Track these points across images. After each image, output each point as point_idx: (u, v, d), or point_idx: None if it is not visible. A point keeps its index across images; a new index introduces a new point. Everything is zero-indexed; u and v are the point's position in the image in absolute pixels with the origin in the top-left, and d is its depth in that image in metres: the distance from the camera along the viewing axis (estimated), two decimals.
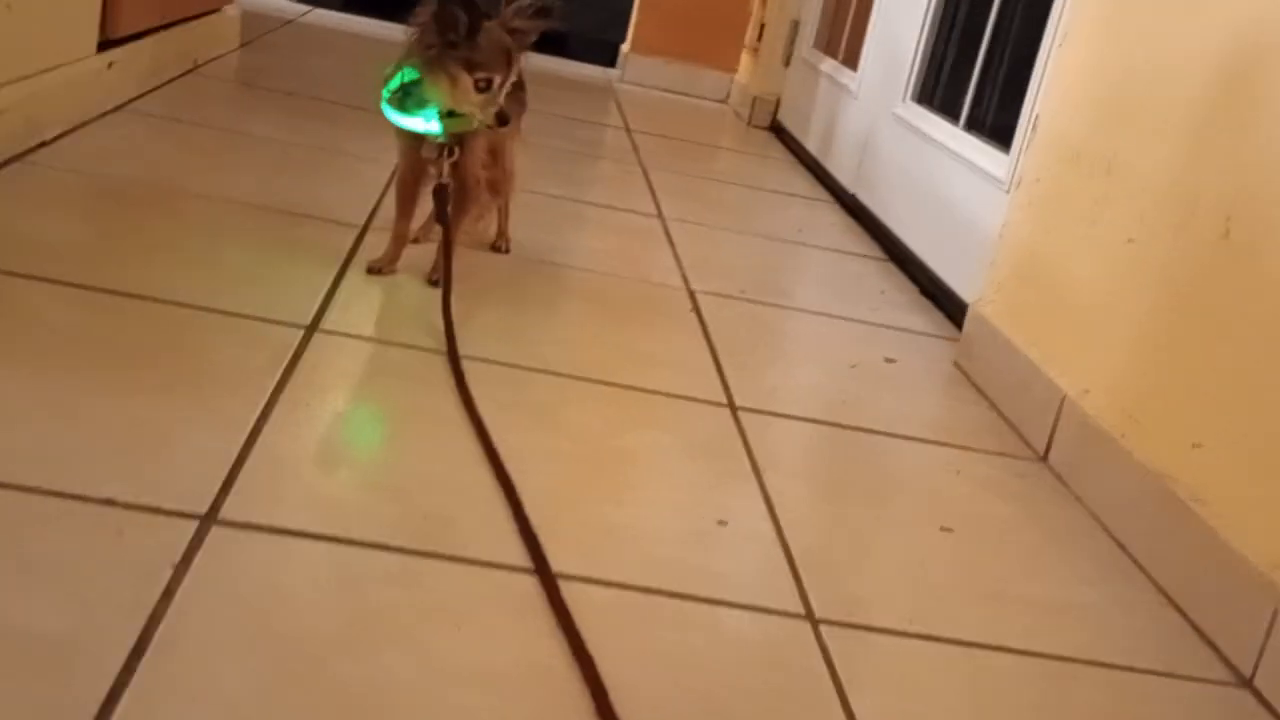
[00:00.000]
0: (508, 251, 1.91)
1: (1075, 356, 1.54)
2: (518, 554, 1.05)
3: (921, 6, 2.58)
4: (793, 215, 2.73)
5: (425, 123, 1.61)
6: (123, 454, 1.07)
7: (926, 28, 2.55)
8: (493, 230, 1.91)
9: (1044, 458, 1.54)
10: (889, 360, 1.82)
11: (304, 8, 4.08)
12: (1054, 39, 1.83)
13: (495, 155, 1.77)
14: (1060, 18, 1.85)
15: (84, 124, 2.05)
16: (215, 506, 1.02)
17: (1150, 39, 1.51)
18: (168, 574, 0.91)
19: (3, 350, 1.21)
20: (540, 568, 1.03)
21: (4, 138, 1.75)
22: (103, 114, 2.14)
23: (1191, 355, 1.31)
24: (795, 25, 3.68)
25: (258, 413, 1.20)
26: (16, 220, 1.59)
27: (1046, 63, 1.86)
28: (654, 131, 3.35)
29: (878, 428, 1.55)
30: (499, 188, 1.83)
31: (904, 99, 2.58)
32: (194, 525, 0.98)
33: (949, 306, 2.09)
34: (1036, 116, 1.76)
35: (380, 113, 1.65)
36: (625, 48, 4.20)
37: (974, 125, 2.26)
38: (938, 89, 2.51)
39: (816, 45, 3.51)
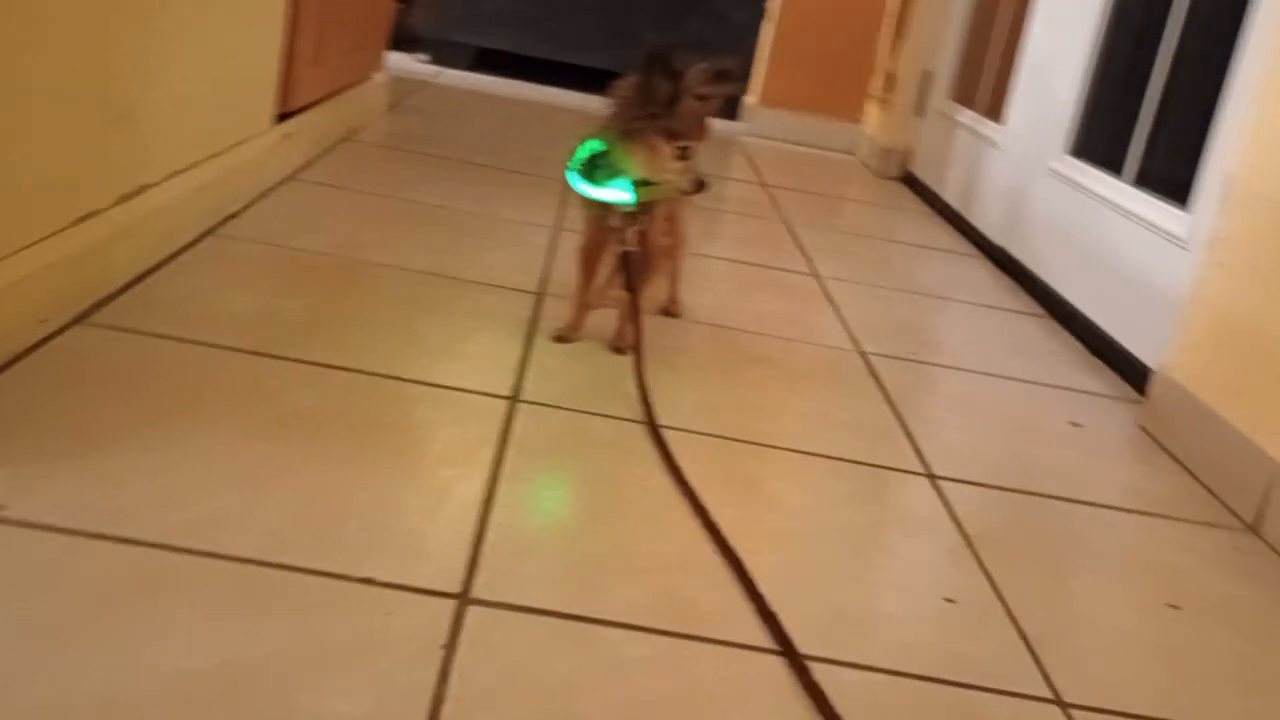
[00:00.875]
0: (679, 315, 1.92)
1: None
2: (760, 635, 1.05)
3: (1080, 57, 2.55)
4: (942, 270, 2.70)
5: (618, 193, 1.63)
6: (369, 531, 1.09)
7: (1085, 78, 2.52)
8: (664, 295, 1.92)
9: (1255, 529, 1.49)
10: (1075, 424, 1.78)
11: (436, 69, 4.18)
12: (1243, 91, 1.80)
13: (669, 221, 1.79)
14: (1248, 69, 1.82)
15: (263, 195, 2.12)
16: (467, 585, 1.03)
17: None
18: (439, 655, 0.93)
19: (240, 425, 1.25)
20: (787, 649, 1.03)
21: (202, 213, 1.82)
22: (276, 185, 2.21)
23: None
24: (927, 75, 3.67)
25: (483, 487, 1.22)
26: (221, 294, 1.64)
27: (1234, 116, 1.82)
28: (788, 185, 3.35)
29: (1078, 496, 1.52)
30: (672, 252, 1.85)
31: (1060, 152, 2.55)
32: (452, 605, 1.00)
33: (1122, 366, 2.04)
34: (1230, 173, 1.72)
35: (566, 183, 1.68)
36: (751, 99, 4.22)
37: (1142, 180, 2.22)
38: (1098, 142, 2.48)
39: (952, 96, 3.49)
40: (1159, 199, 2.11)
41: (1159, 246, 2.03)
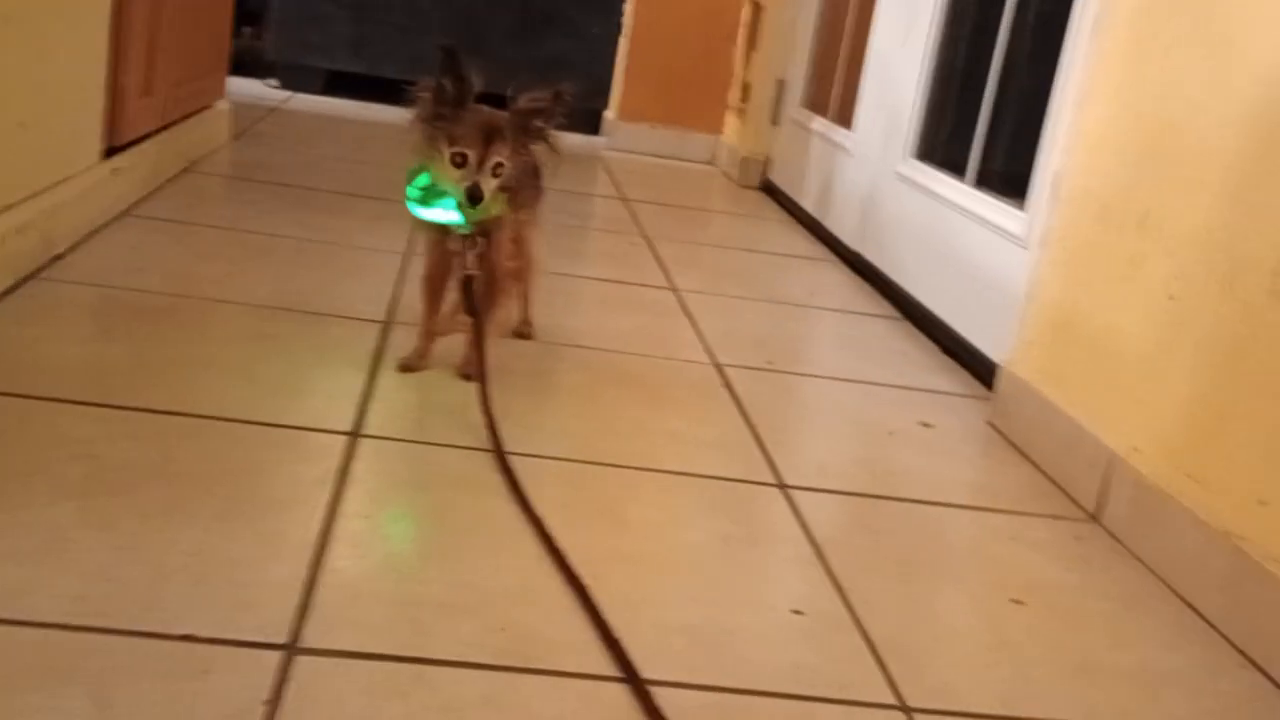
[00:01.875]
0: (532, 337, 1.90)
1: (1122, 414, 1.53)
2: (604, 663, 1.03)
3: (916, 64, 2.60)
4: (800, 277, 2.73)
5: (446, 213, 1.60)
6: (190, 585, 1.04)
7: (924, 83, 2.57)
8: (516, 317, 1.90)
9: (1095, 518, 1.53)
10: (925, 425, 1.81)
11: (286, 94, 4.09)
12: (1069, 93, 1.85)
13: (517, 242, 1.77)
14: (1072, 71, 1.87)
15: (93, 233, 2.03)
16: (295, 635, 0.99)
17: (1177, 92, 1.52)
18: (260, 711, 0.89)
19: (52, 481, 1.19)
20: (630, 676, 1.01)
21: (22, 255, 1.73)
22: (109, 222, 2.12)
23: (1249, 411, 1.31)
24: (781, 84, 3.71)
25: (318, 530, 1.17)
26: (44, 342, 1.56)
27: (1061, 117, 1.87)
28: (648, 199, 3.36)
29: (928, 497, 1.53)
30: (521, 275, 1.82)
31: (905, 156, 2.60)
32: (278, 657, 0.96)
33: (973, 364, 2.08)
34: (1058, 172, 1.77)
35: (405, 207, 1.64)
36: (610, 114, 4.22)
37: (982, 181, 2.27)
38: (941, 145, 2.53)
39: (805, 104, 3.54)
40: (999, 199, 2.16)
41: (1000, 245, 2.07)
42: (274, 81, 4.15)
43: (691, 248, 2.88)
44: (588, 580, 1.15)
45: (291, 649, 0.97)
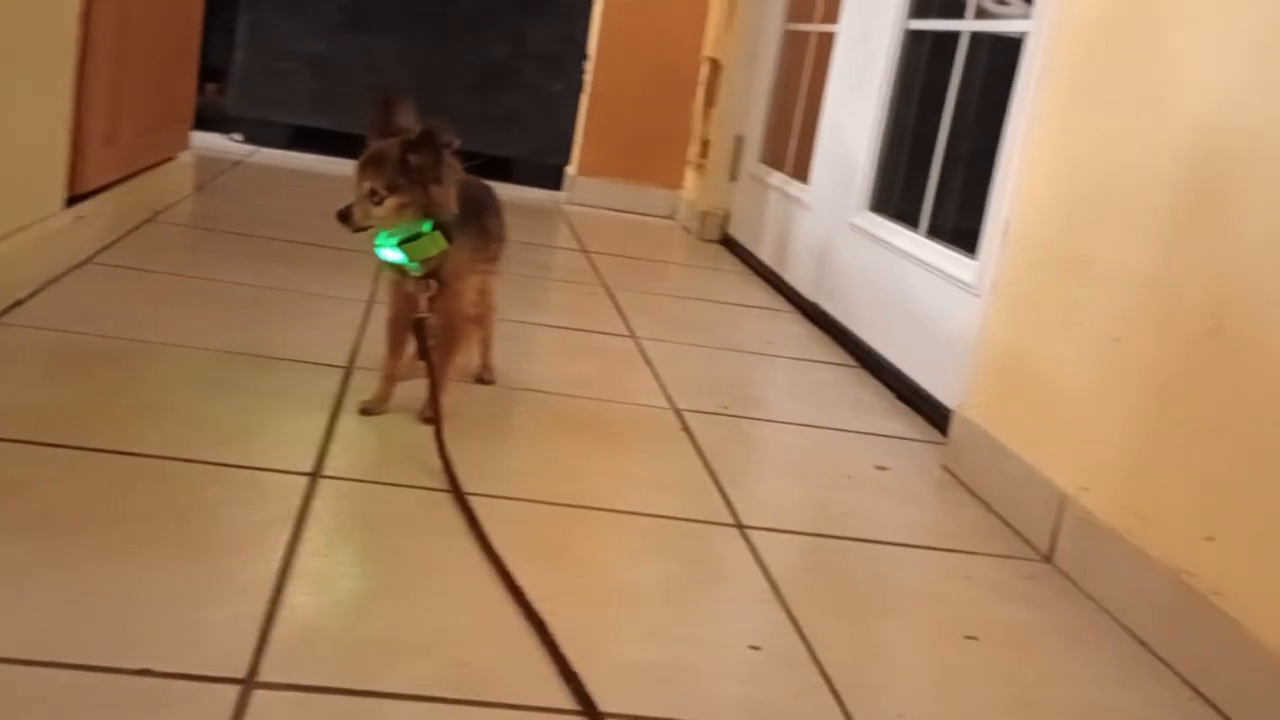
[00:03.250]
0: (492, 382, 1.91)
1: (1070, 455, 1.57)
2: (561, 696, 1.04)
3: (870, 119, 2.66)
4: (758, 327, 2.76)
5: (393, 252, 1.62)
6: (147, 622, 1.04)
7: (877, 139, 2.63)
8: (476, 362, 1.91)
9: (1048, 558, 1.56)
10: (880, 468, 1.84)
11: (250, 148, 4.11)
12: (1014, 146, 1.91)
13: (480, 292, 1.79)
14: (1019, 125, 1.93)
15: (54, 280, 2.03)
16: (253, 670, 0.99)
17: (1113, 141, 1.58)
18: None
19: (3, 521, 1.18)
20: (587, 709, 1.02)
21: None
22: (71, 269, 2.12)
23: (1192, 449, 1.34)
24: (739, 140, 3.78)
25: (277, 568, 1.18)
26: (2, 383, 1.56)
27: (1010, 168, 1.92)
28: (610, 251, 3.39)
29: (883, 538, 1.55)
30: (482, 320, 1.84)
31: (859, 209, 2.65)
32: (235, 691, 0.96)
33: (927, 410, 2.12)
34: (1006, 221, 1.82)
35: (367, 257, 1.66)
36: (571, 170, 4.27)
37: (935, 232, 2.32)
38: (894, 197, 2.59)
39: (762, 159, 3.60)
40: (950, 249, 2.20)
41: (953, 293, 2.12)
42: (237, 136, 4.16)
43: (650, 298, 2.91)
44: (544, 617, 1.15)
45: (249, 684, 0.97)
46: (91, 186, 2.20)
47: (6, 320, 1.79)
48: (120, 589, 1.09)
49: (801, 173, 3.15)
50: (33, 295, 1.93)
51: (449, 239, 1.62)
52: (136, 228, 2.55)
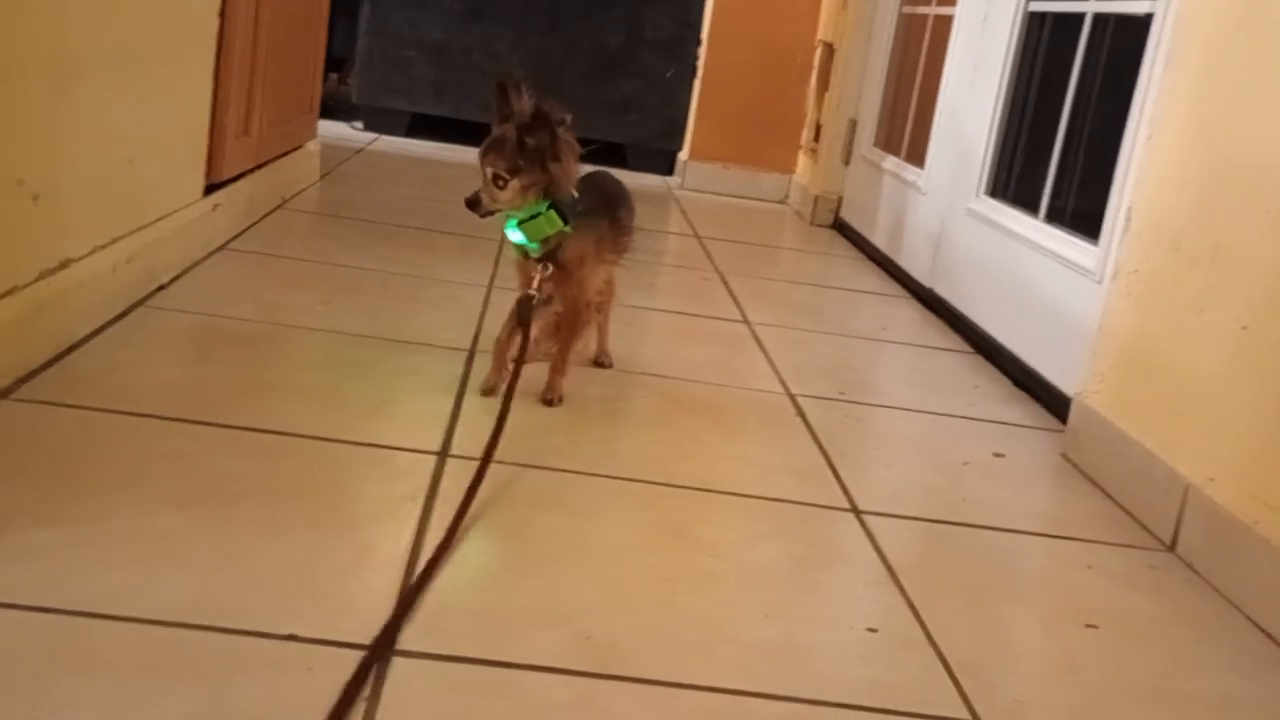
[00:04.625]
0: (609, 366, 1.95)
1: (1195, 444, 1.54)
2: (689, 672, 1.07)
3: (989, 103, 2.63)
4: (872, 312, 2.76)
5: (514, 233, 1.67)
6: (292, 590, 1.10)
7: (996, 123, 2.60)
8: (593, 346, 1.95)
9: (1171, 548, 1.54)
10: (997, 455, 1.83)
11: (371, 136, 4.22)
12: (1140, 129, 1.87)
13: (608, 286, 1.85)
14: (1144, 108, 1.89)
15: (194, 265, 2.13)
16: (385, 637, 1.04)
17: (1248, 125, 1.54)
18: (362, 707, 0.94)
19: (160, 493, 1.26)
20: (708, 686, 1.05)
21: (129, 285, 1.83)
22: (208, 255, 2.22)
23: None
24: (853, 124, 3.76)
25: (409, 542, 1.23)
26: (146, 365, 1.65)
27: (1133, 153, 1.89)
28: (722, 236, 3.41)
29: (1001, 524, 1.55)
30: (602, 306, 1.88)
31: (977, 193, 2.63)
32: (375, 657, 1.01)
33: (1045, 397, 2.09)
34: (1130, 207, 1.79)
35: (487, 242, 1.71)
36: (683, 155, 4.29)
37: (1054, 217, 2.29)
38: (1012, 182, 2.55)
39: (876, 143, 3.58)
40: (1071, 234, 2.17)
41: (1073, 280, 2.09)
42: (359, 124, 4.28)
43: (764, 282, 2.92)
44: (665, 595, 1.19)
45: (388, 652, 1.02)
46: (227, 176, 2.30)
47: (153, 303, 1.89)
48: (269, 557, 1.15)
49: (917, 157, 3.13)
50: (175, 279, 2.02)
51: (565, 219, 1.65)
52: (268, 214, 2.65)
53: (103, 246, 1.72)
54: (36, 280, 1.51)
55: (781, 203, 4.20)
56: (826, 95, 3.93)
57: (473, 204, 1.64)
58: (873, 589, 1.31)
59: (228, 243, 2.34)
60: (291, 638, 1.02)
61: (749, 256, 3.28)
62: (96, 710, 0.89)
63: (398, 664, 1.01)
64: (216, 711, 0.91)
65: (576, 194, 1.67)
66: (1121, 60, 2.08)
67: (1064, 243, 2.17)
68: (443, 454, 1.48)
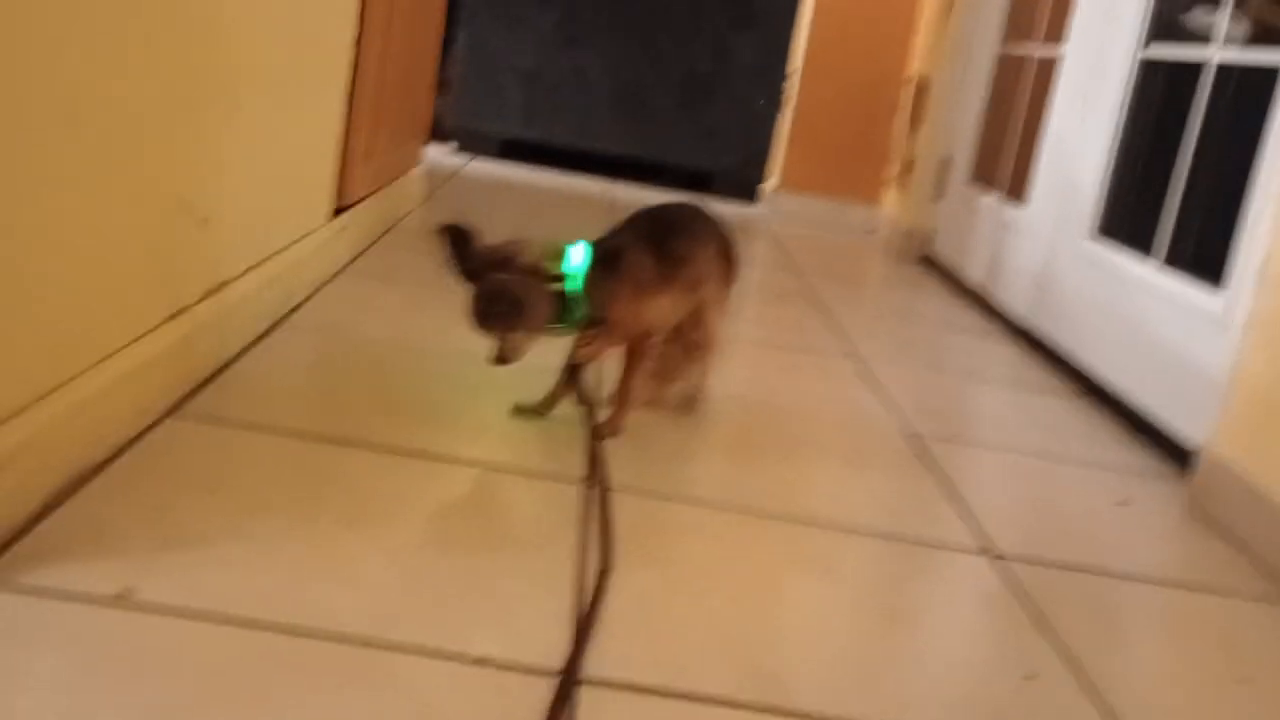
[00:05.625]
0: (692, 412, 1.87)
1: None
2: (857, 707, 1.09)
3: (1104, 140, 2.63)
4: (972, 349, 2.76)
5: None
6: (475, 612, 1.14)
7: (1109, 161, 2.60)
8: (690, 389, 1.88)
9: None
10: (1122, 503, 1.83)
11: (464, 158, 4.29)
12: (1270, 174, 1.87)
13: (696, 320, 1.78)
14: (1273, 153, 1.89)
15: (323, 285, 2.19)
16: (573, 664, 1.07)
17: None
18: None
19: (334, 513, 1.30)
20: None
21: (272, 305, 1.88)
22: (335, 275, 2.27)
23: None
24: (946, 160, 3.76)
25: (572, 564, 1.26)
26: (296, 382, 1.70)
27: (1267, 200, 1.89)
28: (812, 267, 3.43)
29: (1135, 572, 1.56)
30: (697, 352, 1.82)
31: (1088, 232, 2.63)
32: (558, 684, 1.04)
33: (1161, 443, 2.09)
34: (1267, 256, 1.79)
35: None
36: (771, 184, 4.32)
37: (1174, 259, 2.29)
38: (1126, 221, 2.55)
39: (972, 179, 3.59)
40: (1191, 278, 2.17)
41: (1194, 325, 2.09)
42: (452, 146, 4.35)
43: (863, 316, 2.93)
44: (819, 632, 1.21)
45: (572, 677, 1.05)
46: (353, 199, 2.36)
47: (290, 322, 1.94)
48: (445, 579, 1.19)
49: (1017, 192, 3.13)
50: (308, 299, 2.08)
51: (587, 298, 1.63)
52: (381, 237, 2.71)
53: (253, 268, 1.78)
54: (200, 300, 1.57)
55: (868, 235, 4.21)
56: (919, 130, 3.94)
57: (501, 360, 1.60)
58: (1019, 634, 1.32)
59: (349, 264, 2.39)
60: (483, 661, 1.05)
61: (844, 289, 3.29)
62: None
63: (586, 692, 1.03)
64: None
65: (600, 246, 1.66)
66: (1251, 93, 2.08)
67: (1184, 286, 2.17)
68: (590, 481, 1.51)
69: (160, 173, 1.39)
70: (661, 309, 1.73)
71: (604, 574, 1.25)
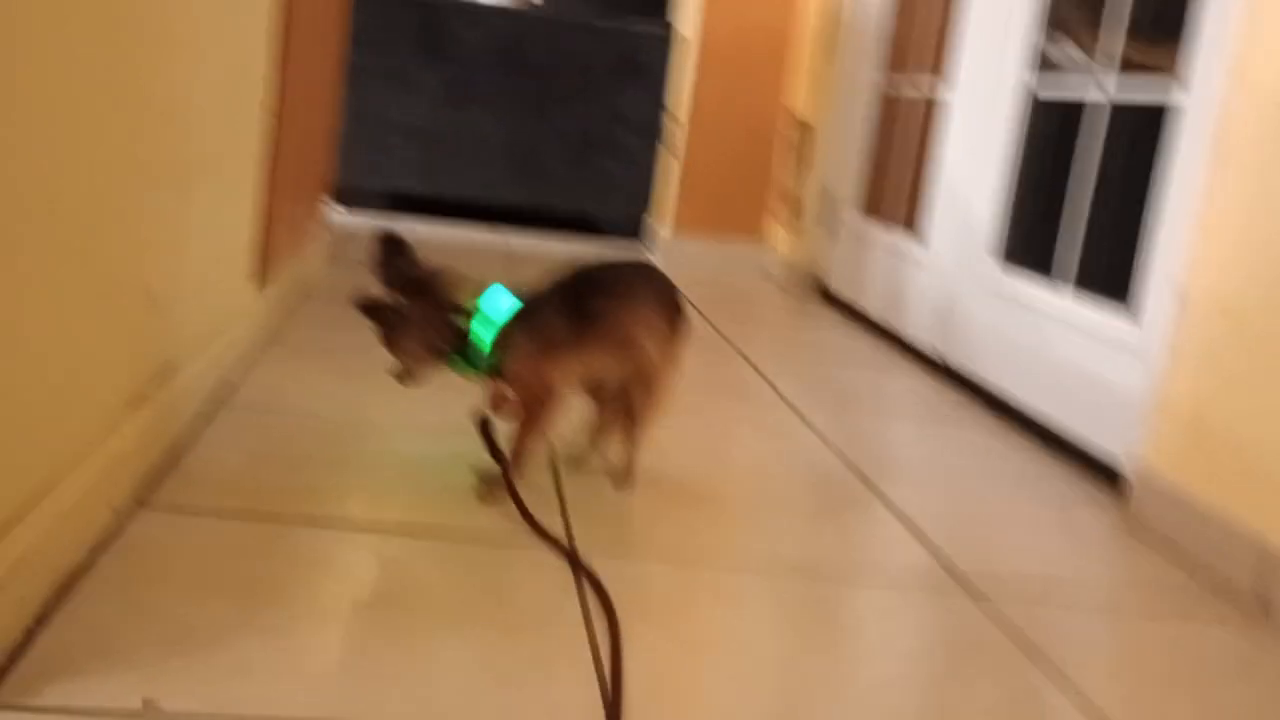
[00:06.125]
0: (625, 487, 1.77)
1: (1273, 511, 1.63)
2: None
3: (995, 164, 2.75)
4: (886, 385, 2.84)
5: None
6: (511, 703, 1.12)
7: (1008, 187, 2.72)
8: (617, 459, 1.79)
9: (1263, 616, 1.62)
10: (1060, 524, 1.91)
11: (357, 217, 4.23)
12: (1178, 212, 1.98)
13: (640, 383, 1.71)
14: (1177, 166, 2.01)
15: (255, 364, 2.13)
16: None
17: None
18: None
19: (333, 599, 1.27)
20: None
21: (216, 386, 1.83)
22: (262, 351, 2.22)
23: None
24: (830, 193, 3.88)
25: (587, 648, 1.25)
26: (255, 466, 1.65)
27: (1174, 225, 2.00)
28: (718, 311, 3.48)
29: (1103, 606, 1.62)
30: (636, 411, 1.74)
31: (988, 258, 2.74)
32: None
33: (1089, 464, 2.18)
34: (1184, 283, 1.90)
35: None
36: (660, 229, 4.38)
37: (1079, 281, 2.39)
38: (1030, 249, 2.66)
39: (866, 212, 3.70)
40: (1098, 301, 2.28)
41: (1102, 348, 2.19)
42: (341, 206, 4.29)
43: (778, 360, 2.99)
44: (854, 700, 1.23)
45: None
46: (273, 272, 2.31)
47: (233, 403, 1.89)
48: (470, 667, 1.17)
49: (911, 226, 3.24)
50: (244, 378, 2.02)
51: (472, 360, 1.66)
52: (298, 307, 2.65)
53: (198, 349, 1.73)
54: (154, 386, 1.52)
55: (765, 275, 4.30)
56: (805, 167, 4.05)
57: (402, 378, 1.68)
58: (1021, 676, 1.37)
59: (275, 338, 2.34)
60: None
61: (749, 328, 3.35)
62: None
63: None
64: None
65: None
66: (1143, 120, 2.21)
67: (1092, 309, 2.28)
68: (573, 555, 1.50)
69: (114, 255, 1.35)
70: (567, 368, 1.67)
71: (616, 656, 1.22)
